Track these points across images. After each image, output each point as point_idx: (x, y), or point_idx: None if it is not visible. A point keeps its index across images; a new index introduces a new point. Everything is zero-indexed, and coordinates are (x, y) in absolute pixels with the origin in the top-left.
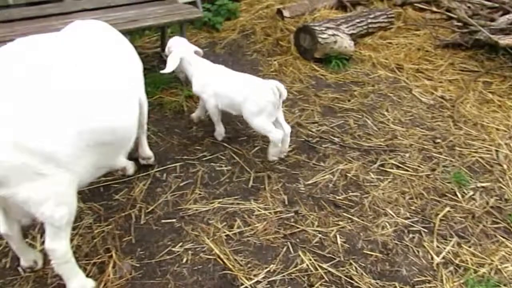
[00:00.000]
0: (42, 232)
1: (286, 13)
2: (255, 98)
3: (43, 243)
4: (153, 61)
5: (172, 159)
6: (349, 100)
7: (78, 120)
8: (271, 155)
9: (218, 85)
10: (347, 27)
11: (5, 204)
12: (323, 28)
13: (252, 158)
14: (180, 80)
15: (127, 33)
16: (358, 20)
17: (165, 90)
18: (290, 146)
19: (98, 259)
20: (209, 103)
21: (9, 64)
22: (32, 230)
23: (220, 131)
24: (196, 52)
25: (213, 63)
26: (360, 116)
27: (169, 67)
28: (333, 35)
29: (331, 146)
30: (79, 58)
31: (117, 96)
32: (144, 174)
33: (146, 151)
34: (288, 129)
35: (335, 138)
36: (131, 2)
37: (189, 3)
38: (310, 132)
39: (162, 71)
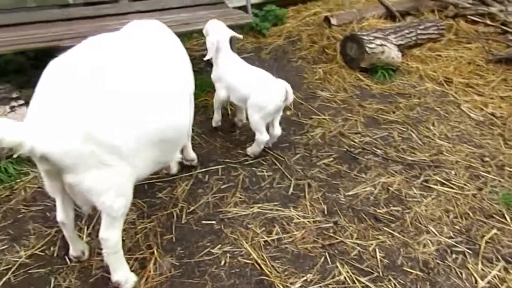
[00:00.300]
0: (89, 223)
1: (333, 21)
2: (262, 96)
3: (89, 234)
4: (199, 63)
5: (215, 161)
6: (394, 112)
7: (143, 117)
8: (250, 151)
9: (231, 77)
10: (395, 38)
11: (71, 191)
12: (371, 38)
13: (293, 165)
14: None
15: (178, 35)
16: (407, 31)
17: (210, 93)
18: (331, 156)
19: (140, 254)
20: (219, 93)
21: (82, 62)
22: (79, 221)
23: (216, 118)
24: (232, 38)
25: (258, 67)
26: (404, 129)
27: (210, 54)
28: (381, 45)
29: (374, 158)
30: (145, 59)
31: (177, 95)
32: (187, 174)
33: (190, 152)
34: (278, 131)
35: (378, 150)
36: (183, 5)
37: (239, 7)
38: (353, 143)
39: (204, 58)
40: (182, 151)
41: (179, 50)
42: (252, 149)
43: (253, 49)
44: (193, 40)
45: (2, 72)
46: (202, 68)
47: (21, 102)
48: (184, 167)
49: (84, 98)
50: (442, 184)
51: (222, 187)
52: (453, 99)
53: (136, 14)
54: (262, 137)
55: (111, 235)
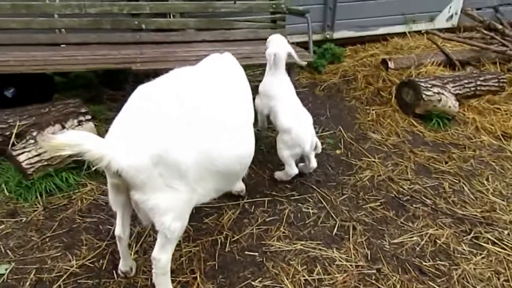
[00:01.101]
0: (137, 241)
1: (391, 65)
2: (293, 139)
3: (136, 252)
4: (255, 94)
5: (262, 193)
6: (446, 162)
7: (214, 147)
8: (277, 176)
9: (274, 100)
10: (453, 87)
11: (136, 206)
12: (429, 85)
13: (339, 205)
14: None
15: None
16: (466, 81)
17: None
18: (378, 200)
19: (184, 278)
20: (259, 105)
21: (165, 92)
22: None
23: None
24: (289, 54)
25: (312, 103)
26: (456, 181)
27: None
28: (438, 93)
29: (422, 207)
30: (219, 91)
31: (245, 127)
32: (234, 203)
33: (240, 183)
34: (314, 165)
35: (427, 200)
36: (246, 38)
37: (299, 43)
38: (401, 189)
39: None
40: None
41: (245, 82)
42: (279, 175)
43: (307, 84)
44: (249, 71)
45: (72, 86)
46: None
47: (89, 117)
48: (231, 196)
49: (162, 124)
50: (494, 244)
51: (267, 219)
52: (510, 155)
53: (202, 43)
54: (291, 170)
55: (163, 257)
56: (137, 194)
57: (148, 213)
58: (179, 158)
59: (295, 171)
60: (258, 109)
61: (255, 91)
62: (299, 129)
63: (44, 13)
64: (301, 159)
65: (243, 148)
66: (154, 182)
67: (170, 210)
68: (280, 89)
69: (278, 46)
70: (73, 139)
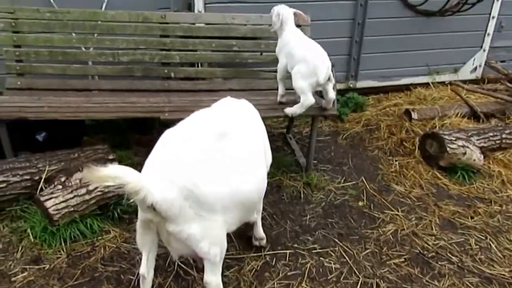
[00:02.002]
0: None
1: (414, 115)
2: (309, 67)
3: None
4: (278, 141)
5: (283, 245)
6: (472, 217)
7: (236, 181)
8: (292, 111)
9: (291, 46)
10: (478, 139)
11: (170, 239)
12: (453, 138)
13: (362, 261)
14: (301, 166)
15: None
16: (491, 134)
17: (285, 173)
18: (402, 256)
19: None
20: (280, 62)
21: (190, 133)
22: None
23: (281, 91)
24: (295, 14)
25: (335, 152)
26: (483, 237)
27: (275, 26)
28: (463, 146)
29: (448, 265)
30: (239, 131)
31: (261, 164)
32: (255, 255)
33: (260, 231)
34: (332, 95)
35: (453, 257)
36: (271, 88)
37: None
38: (426, 245)
39: (270, 30)
40: (252, 229)
41: (262, 126)
42: (293, 110)
43: (330, 132)
44: (274, 118)
45: (101, 129)
46: (279, 146)
47: (115, 163)
48: (253, 247)
49: (191, 161)
50: None
51: (289, 273)
52: None
53: (228, 91)
54: (308, 100)
55: (213, 279)
56: (171, 226)
57: (185, 243)
58: (207, 192)
59: (311, 100)
60: (280, 68)
61: (278, 136)
62: (314, 58)
63: (79, 60)
64: (321, 96)
65: (259, 181)
66: (186, 214)
67: (205, 237)
68: (295, 41)
69: (283, 9)
70: (115, 172)
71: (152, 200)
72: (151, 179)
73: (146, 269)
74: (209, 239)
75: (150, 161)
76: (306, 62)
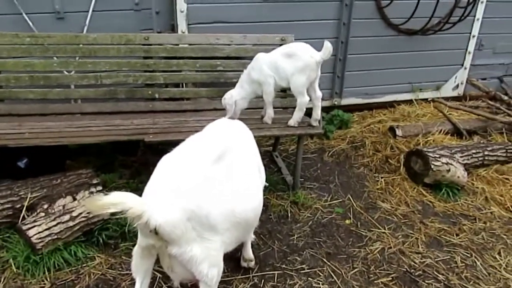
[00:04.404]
0: None
1: (399, 132)
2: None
3: None
4: (264, 159)
5: (271, 266)
6: (457, 235)
7: (235, 202)
8: (294, 121)
9: (277, 57)
10: (461, 156)
11: (173, 263)
12: (437, 155)
13: (350, 280)
14: (288, 184)
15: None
16: (474, 151)
17: (272, 192)
18: (390, 275)
19: None
20: (268, 84)
21: (188, 157)
22: None
23: (271, 113)
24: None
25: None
26: (468, 255)
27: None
28: (447, 163)
29: (435, 284)
30: (235, 153)
31: (258, 185)
32: (243, 277)
33: (249, 252)
34: (320, 93)
35: (440, 275)
36: (256, 107)
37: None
38: (413, 263)
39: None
40: (239, 251)
41: (255, 144)
42: (294, 120)
43: (315, 149)
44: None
45: (84, 152)
46: (265, 165)
47: (100, 188)
48: (241, 268)
49: (193, 184)
50: None
51: None
52: None
53: (213, 111)
54: (305, 99)
55: None
56: (174, 248)
57: (186, 265)
58: (209, 212)
59: (307, 98)
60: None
61: (264, 154)
62: (302, 50)
63: (61, 84)
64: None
65: (256, 200)
66: (188, 235)
67: (205, 259)
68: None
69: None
70: (116, 199)
71: (155, 223)
72: (152, 203)
73: None
74: (209, 261)
75: (150, 187)
76: (298, 56)
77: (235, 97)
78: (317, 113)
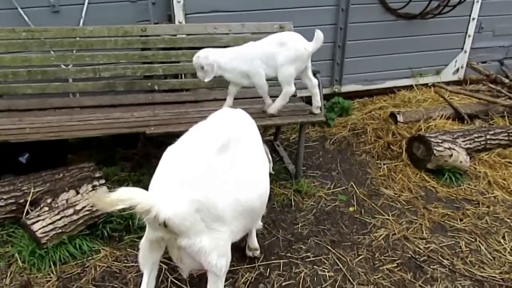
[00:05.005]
0: None
1: (400, 118)
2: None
3: None
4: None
5: (276, 255)
6: (461, 219)
7: (242, 191)
8: (274, 108)
9: (265, 47)
10: (463, 141)
11: (182, 254)
12: (439, 140)
13: (356, 267)
14: (290, 173)
15: None
16: (476, 135)
17: (275, 181)
18: (395, 261)
19: None
20: (260, 76)
21: (193, 147)
22: None
23: (269, 102)
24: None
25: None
26: (472, 239)
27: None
28: (449, 148)
29: (440, 269)
30: (240, 142)
31: (264, 173)
32: (249, 266)
33: (254, 242)
34: (315, 80)
35: (445, 260)
36: (256, 96)
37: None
38: (417, 249)
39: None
40: (244, 240)
41: (259, 135)
42: (275, 107)
43: (317, 138)
44: (261, 126)
45: (84, 146)
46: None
47: (102, 181)
48: (246, 258)
49: (200, 175)
50: None
51: (283, 284)
52: None
53: (213, 101)
54: (292, 89)
55: None
56: (183, 240)
57: (195, 256)
58: (216, 203)
59: (294, 88)
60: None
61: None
62: (292, 39)
63: (59, 78)
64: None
65: (261, 188)
66: (197, 227)
67: (214, 249)
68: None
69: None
70: (124, 194)
71: (164, 216)
72: (160, 196)
73: None
74: (217, 251)
75: (156, 180)
76: (290, 46)
77: (213, 56)
78: (317, 100)
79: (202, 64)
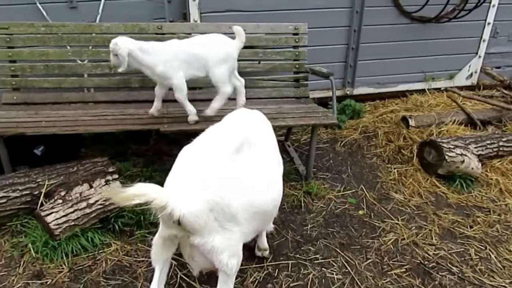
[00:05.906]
0: None
1: (412, 122)
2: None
3: None
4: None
5: (285, 256)
6: (471, 227)
7: (256, 192)
8: (212, 110)
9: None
10: (476, 147)
11: (194, 252)
12: (451, 146)
13: (364, 271)
14: (300, 174)
15: None
16: (488, 142)
17: (285, 182)
18: (403, 266)
19: None
20: (178, 78)
21: (209, 147)
22: None
23: (192, 110)
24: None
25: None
26: (482, 247)
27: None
28: (461, 154)
29: (449, 276)
30: (256, 143)
31: (278, 175)
32: (258, 266)
33: (264, 242)
34: (242, 80)
35: (454, 268)
36: (269, 96)
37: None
38: (427, 255)
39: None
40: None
41: (274, 136)
42: (213, 108)
43: (328, 139)
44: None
45: (97, 140)
46: None
47: (116, 176)
48: (255, 257)
49: (215, 175)
50: None
51: (292, 285)
52: None
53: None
54: (229, 89)
55: None
56: (196, 238)
57: (207, 255)
58: (231, 203)
59: (230, 88)
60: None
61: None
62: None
63: (75, 73)
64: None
65: (275, 191)
66: (210, 226)
67: (226, 249)
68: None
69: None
70: (140, 190)
71: (179, 214)
72: (176, 194)
73: (157, 285)
74: (229, 251)
75: (172, 178)
76: (219, 47)
77: (129, 46)
78: (243, 99)
79: (116, 51)
